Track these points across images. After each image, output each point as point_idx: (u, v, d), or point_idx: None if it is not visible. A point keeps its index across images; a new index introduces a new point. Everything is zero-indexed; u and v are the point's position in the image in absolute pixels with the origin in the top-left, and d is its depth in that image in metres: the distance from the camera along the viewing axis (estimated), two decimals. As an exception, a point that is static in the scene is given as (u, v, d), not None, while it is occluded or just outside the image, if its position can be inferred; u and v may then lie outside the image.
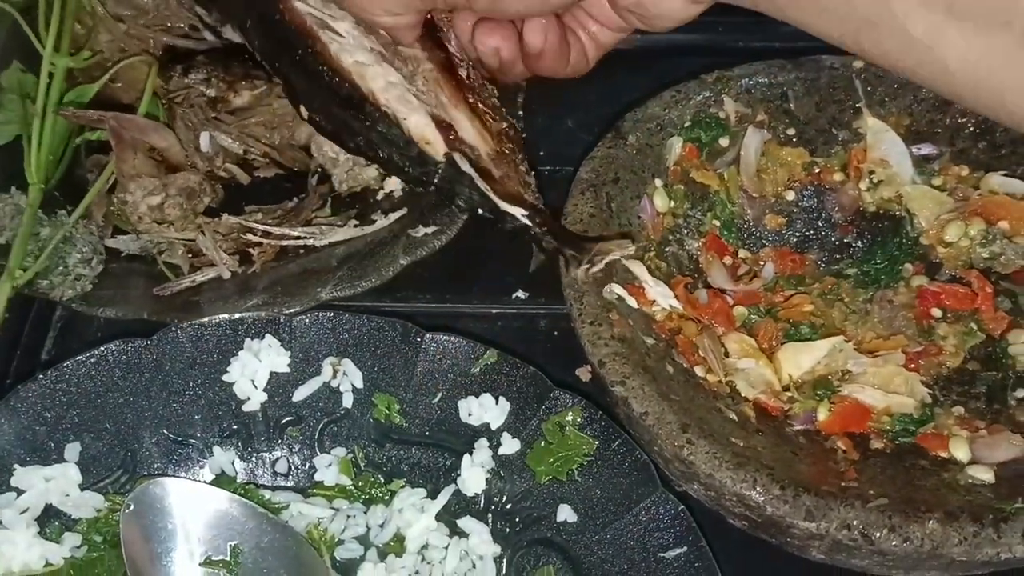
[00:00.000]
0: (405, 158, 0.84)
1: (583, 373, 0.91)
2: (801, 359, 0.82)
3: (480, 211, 0.83)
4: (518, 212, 0.81)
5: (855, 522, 0.68)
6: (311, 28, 0.86)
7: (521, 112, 1.03)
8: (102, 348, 0.81)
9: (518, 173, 0.84)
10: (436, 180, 0.83)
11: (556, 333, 0.96)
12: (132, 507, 0.74)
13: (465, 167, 0.81)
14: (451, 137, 0.83)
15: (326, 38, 0.85)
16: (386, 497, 0.81)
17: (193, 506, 0.76)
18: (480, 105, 0.86)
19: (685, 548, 0.73)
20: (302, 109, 0.89)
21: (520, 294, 0.99)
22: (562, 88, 1.16)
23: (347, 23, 0.87)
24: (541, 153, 1.09)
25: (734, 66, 0.97)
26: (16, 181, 0.94)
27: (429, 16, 0.88)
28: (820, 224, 0.96)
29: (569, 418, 0.79)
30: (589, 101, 1.16)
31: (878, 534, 0.68)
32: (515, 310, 0.98)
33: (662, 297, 0.84)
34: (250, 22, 0.91)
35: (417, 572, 0.77)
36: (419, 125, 0.82)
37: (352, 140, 0.87)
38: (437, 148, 0.82)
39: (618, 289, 0.82)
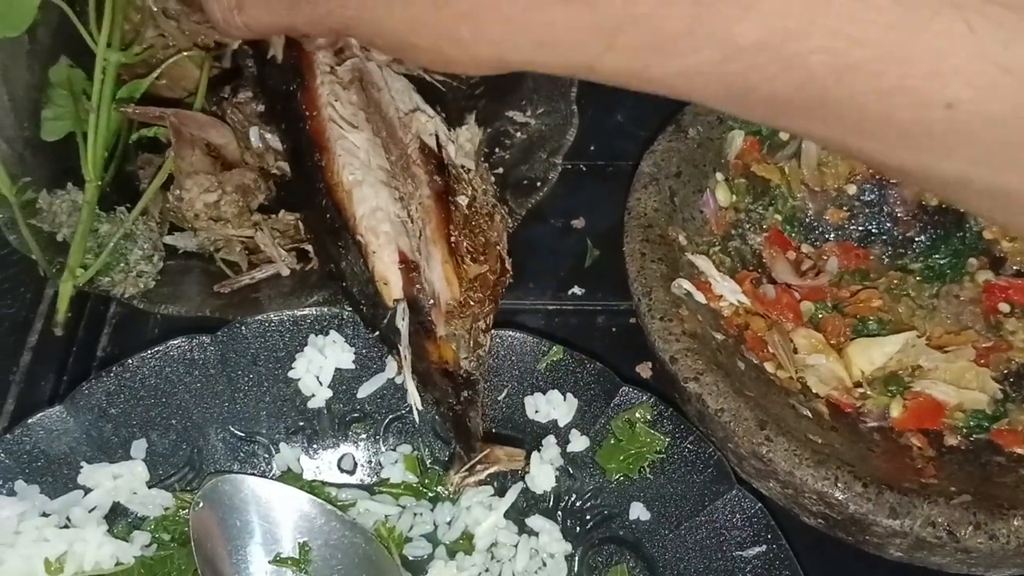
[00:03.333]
0: (363, 294, 0.81)
1: (644, 370, 0.90)
2: (873, 354, 0.81)
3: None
4: (416, 398, 0.77)
5: (940, 519, 0.67)
6: (327, 139, 0.85)
7: (575, 107, 1.02)
8: (166, 344, 0.80)
9: (470, 332, 0.79)
10: (382, 325, 0.79)
11: (615, 329, 0.95)
12: (202, 504, 0.74)
13: (400, 324, 0.77)
14: (412, 278, 0.79)
15: (339, 149, 0.84)
16: (454, 495, 0.79)
17: (262, 503, 0.75)
18: (465, 243, 0.83)
19: (764, 547, 0.71)
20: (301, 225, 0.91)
21: (576, 290, 0.98)
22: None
23: (364, 135, 0.86)
24: (592, 148, 1.08)
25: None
26: (68, 178, 0.93)
27: (436, 135, 0.88)
28: (882, 218, 0.94)
29: (639, 415, 0.78)
30: (638, 96, 1.15)
31: (963, 531, 0.67)
32: (572, 306, 0.97)
33: (730, 292, 0.83)
34: (285, 124, 0.91)
35: (487, 570, 0.76)
36: (384, 262, 0.79)
37: (326, 263, 0.86)
38: (392, 291, 0.79)
39: (686, 284, 0.81)
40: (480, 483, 0.79)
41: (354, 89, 0.91)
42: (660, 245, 0.84)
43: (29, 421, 0.76)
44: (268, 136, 0.99)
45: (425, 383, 0.79)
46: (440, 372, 0.78)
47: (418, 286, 0.81)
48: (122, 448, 0.77)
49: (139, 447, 0.78)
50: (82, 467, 0.76)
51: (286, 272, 0.91)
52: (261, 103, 1.01)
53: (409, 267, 0.81)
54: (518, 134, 1.03)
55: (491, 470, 0.78)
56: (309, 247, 0.93)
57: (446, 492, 0.80)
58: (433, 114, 0.92)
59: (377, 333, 0.81)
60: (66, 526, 0.73)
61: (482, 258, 0.85)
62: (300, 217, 0.92)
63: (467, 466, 0.77)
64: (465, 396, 0.78)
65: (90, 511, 0.74)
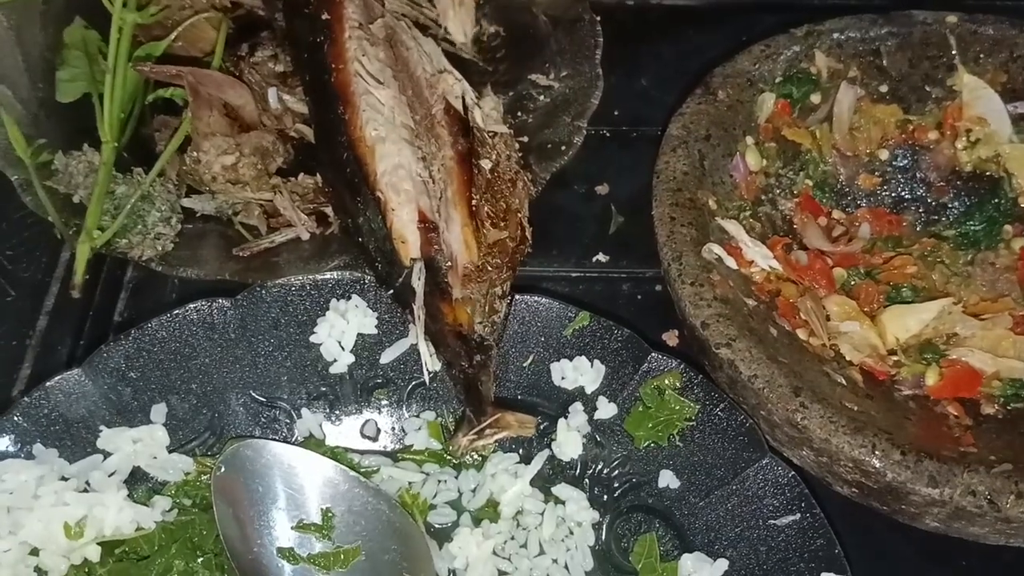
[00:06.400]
0: (379, 252, 0.80)
1: (670, 338, 0.89)
2: (908, 322, 0.79)
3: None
4: (427, 359, 0.77)
5: (980, 488, 0.66)
6: (352, 93, 0.84)
7: (599, 70, 1.00)
8: (185, 308, 0.78)
9: (486, 298, 0.78)
10: (397, 283, 0.78)
11: (640, 297, 0.94)
12: (223, 469, 0.72)
13: (416, 283, 0.77)
14: (430, 239, 0.78)
15: (363, 104, 0.83)
16: (478, 462, 0.78)
17: (284, 469, 0.74)
18: (486, 208, 0.82)
19: (798, 515, 0.70)
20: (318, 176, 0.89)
21: (601, 257, 0.96)
22: (634, 47, 1.14)
23: (390, 92, 0.85)
24: (616, 113, 1.06)
25: (807, 23, 0.93)
26: (82, 140, 0.91)
27: (463, 97, 0.87)
28: (915, 184, 0.92)
29: (668, 382, 0.76)
30: (662, 60, 1.13)
31: (1005, 501, 0.65)
32: (597, 273, 0.96)
33: (761, 258, 0.81)
34: (308, 75, 0.90)
35: (513, 538, 0.75)
36: (402, 220, 0.79)
37: (344, 218, 0.85)
38: (409, 250, 0.78)
39: (717, 249, 0.79)
40: (494, 447, 0.77)
41: (382, 46, 0.89)
42: (690, 209, 0.82)
43: (47, 384, 0.75)
44: (287, 97, 0.98)
45: (438, 344, 0.78)
46: (454, 334, 0.77)
47: (436, 247, 0.79)
48: (141, 412, 0.76)
49: (159, 411, 0.76)
50: (101, 431, 0.74)
51: (306, 236, 0.89)
52: (280, 63, 0.99)
53: (428, 227, 0.80)
54: (541, 97, 1.01)
55: (500, 435, 0.76)
56: (329, 211, 0.91)
57: (471, 458, 0.78)
58: (460, 77, 0.90)
59: (391, 292, 0.80)
60: (85, 490, 0.72)
61: (502, 224, 0.83)
62: (318, 171, 0.90)
63: (476, 429, 0.76)
64: (478, 360, 0.76)
65: (110, 475, 0.73)
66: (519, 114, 1.00)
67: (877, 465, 0.67)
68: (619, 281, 0.95)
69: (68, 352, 0.88)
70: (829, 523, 0.71)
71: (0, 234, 0.95)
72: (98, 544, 0.70)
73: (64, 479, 0.72)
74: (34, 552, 0.70)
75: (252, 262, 0.87)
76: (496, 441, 0.75)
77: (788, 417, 0.69)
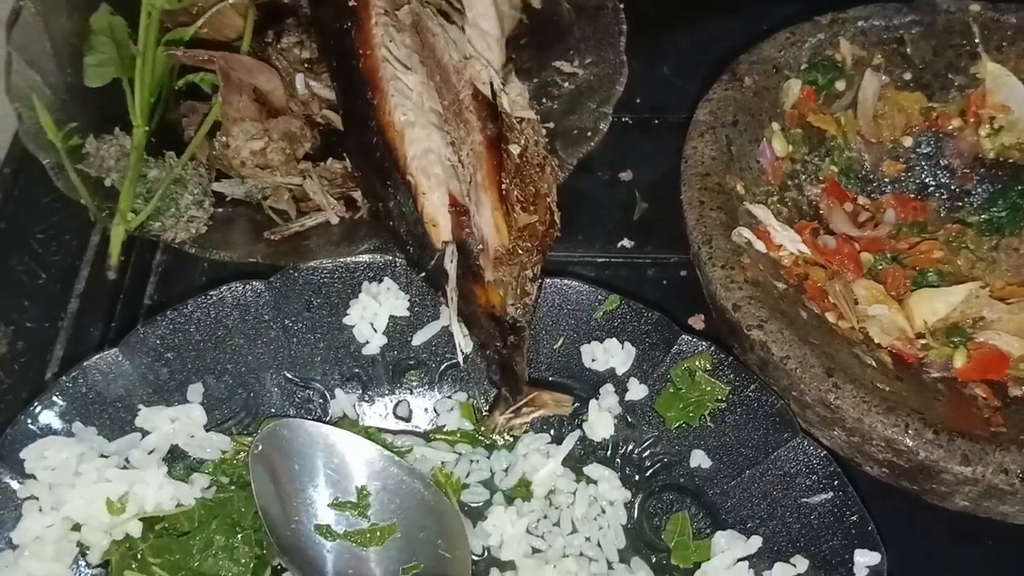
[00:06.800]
0: (410, 235, 0.81)
1: (696, 322, 0.89)
2: (936, 305, 0.80)
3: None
4: (460, 340, 0.78)
5: (1013, 467, 0.67)
6: (380, 78, 0.85)
7: (624, 57, 1.00)
8: (221, 289, 0.79)
9: (518, 280, 0.79)
10: (429, 266, 0.79)
11: (665, 282, 0.94)
12: (260, 448, 0.73)
13: (449, 265, 0.77)
14: (461, 222, 0.79)
15: (392, 89, 0.84)
16: (509, 442, 0.79)
17: (320, 447, 0.74)
18: (515, 192, 0.83)
19: (831, 494, 0.71)
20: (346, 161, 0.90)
21: (626, 243, 0.97)
22: (654, 35, 1.15)
23: (418, 77, 0.85)
24: (638, 101, 1.07)
25: (827, 11, 0.94)
26: (109, 125, 0.92)
27: (492, 85, 0.87)
28: (939, 171, 0.93)
29: (699, 363, 0.77)
30: (682, 48, 1.14)
31: (1037, 479, 0.66)
32: (622, 259, 0.96)
33: (790, 241, 0.82)
34: (335, 61, 0.91)
35: (546, 516, 0.76)
36: (433, 203, 0.80)
37: (374, 202, 0.86)
38: (440, 233, 0.79)
39: (746, 232, 0.80)
40: (526, 426, 0.78)
41: (409, 33, 0.90)
42: (718, 194, 0.82)
43: (85, 364, 0.75)
44: (313, 84, 0.98)
45: (471, 326, 0.79)
46: (487, 316, 0.78)
47: (467, 230, 0.80)
48: (178, 392, 0.77)
49: (195, 391, 0.77)
50: (139, 410, 0.75)
51: (335, 220, 0.90)
52: (306, 49, 1.00)
53: (459, 211, 0.80)
54: (566, 84, 1.02)
55: (537, 413, 0.77)
56: (357, 195, 0.92)
57: (502, 439, 0.79)
58: (487, 63, 0.91)
59: (423, 274, 0.80)
60: (125, 467, 0.73)
61: (532, 208, 0.84)
62: (347, 156, 0.91)
63: (513, 407, 0.77)
64: (511, 341, 0.77)
65: (149, 453, 0.74)
66: (544, 101, 1.00)
67: (910, 444, 0.68)
68: (644, 266, 0.96)
69: (100, 335, 0.89)
70: (859, 503, 0.72)
71: (30, 219, 0.96)
72: (139, 520, 0.71)
73: (104, 457, 0.73)
74: (76, 528, 0.70)
75: (282, 246, 0.88)
76: (532, 420, 0.76)
77: (821, 397, 0.70)
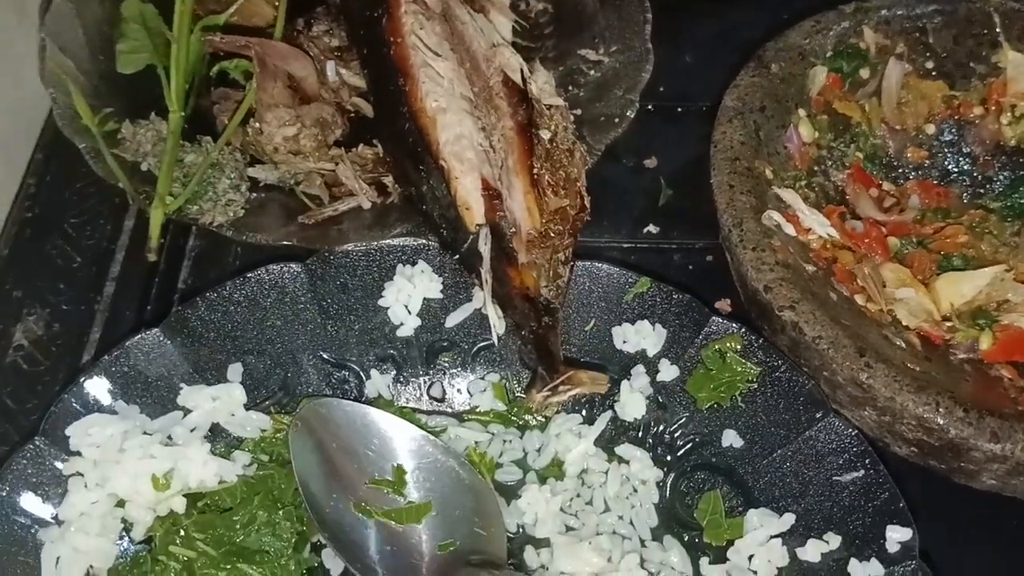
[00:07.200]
0: (444, 219, 0.82)
1: (723, 306, 0.90)
2: (963, 288, 0.81)
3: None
4: (495, 321, 0.79)
5: (1042, 444, 0.68)
6: (411, 65, 0.86)
7: (649, 45, 1.02)
8: (258, 271, 0.80)
9: (550, 262, 0.80)
10: (463, 249, 0.80)
11: (691, 267, 0.96)
12: (300, 426, 0.74)
13: (483, 247, 0.78)
14: (494, 206, 0.80)
15: (423, 76, 0.85)
16: (541, 422, 0.80)
17: (357, 427, 0.76)
18: (546, 176, 0.84)
19: (862, 472, 0.72)
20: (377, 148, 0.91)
21: (651, 228, 0.98)
22: (676, 24, 1.15)
23: (449, 64, 0.86)
24: (661, 89, 1.07)
25: (846, 2, 0.95)
26: (142, 111, 0.93)
27: (522, 72, 0.88)
28: (961, 158, 0.94)
29: (729, 345, 0.78)
30: (705, 37, 1.15)
31: (1066, 455, 0.67)
32: (647, 244, 0.97)
33: (819, 225, 0.83)
34: (366, 49, 0.92)
35: (578, 495, 0.77)
36: (466, 187, 0.81)
37: (406, 187, 0.87)
38: (474, 216, 0.80)
39: (776, 216, 0.81)
40: (563, 405, 0.79)
41: (438, 20, 0.91)
42: (747, 178, 0.84)
43: (126, 344, 0.77)
44: (344, 71, 0.99)
45: (506, 307, 0.80)
46: (521, 297, 0.79)
47: (500, 213, 0.81)
48: (218, 371, 0.78)
49: (235, 371, 0.78)
50: (181, 388, 0.76)
51: (367, 205, 0.91)
52: (336, 37, 1.01)
53: (491, 194, 0.82)
54: (591, 72, 1.03)
55: (574, 391, 0.78)
56: (388, 180, 0.93)
57: (534, 419, 0.80)
58: (515, 51, 0.92)
59: (457, 257, 0.82)
60: (168, 445, 0.74)
61: (563, 192, 0.85)
62: (379, 142, 0.92)
63: (550, 386, 0.78)
64: (546, 322, 0.78)
65: (191, 431, 0.75)
66: (570, 88, 1.02)
67: (941, 422, 0.69)
68: (670, 252, 0.97)
69: (135, 318, 0.90)
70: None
71: (63, 204, 0.97)
72: (183, 496, 0.72)
73: (147, 434, 0.74)
74: (120, 504, 0.72)
75: (315, 230, 0.89)
76: (569, 398, 0.77)
77: (853, 376, 0.72)
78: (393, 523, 0.74)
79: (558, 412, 0.80)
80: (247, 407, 0.77)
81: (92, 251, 0.94)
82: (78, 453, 0.72)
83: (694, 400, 0.79)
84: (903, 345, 0.77)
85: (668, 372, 0.80)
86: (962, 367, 0.78)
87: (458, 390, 0.82)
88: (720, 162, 0.84)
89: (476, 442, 0.79)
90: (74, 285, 0.91)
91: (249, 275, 0.80)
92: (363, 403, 0.79)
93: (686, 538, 0.75)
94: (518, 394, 0.82)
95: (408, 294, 0.82)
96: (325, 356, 0.81)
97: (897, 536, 0.70)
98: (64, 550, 0.70)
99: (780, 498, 0.74)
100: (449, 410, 0.82)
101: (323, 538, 0.72)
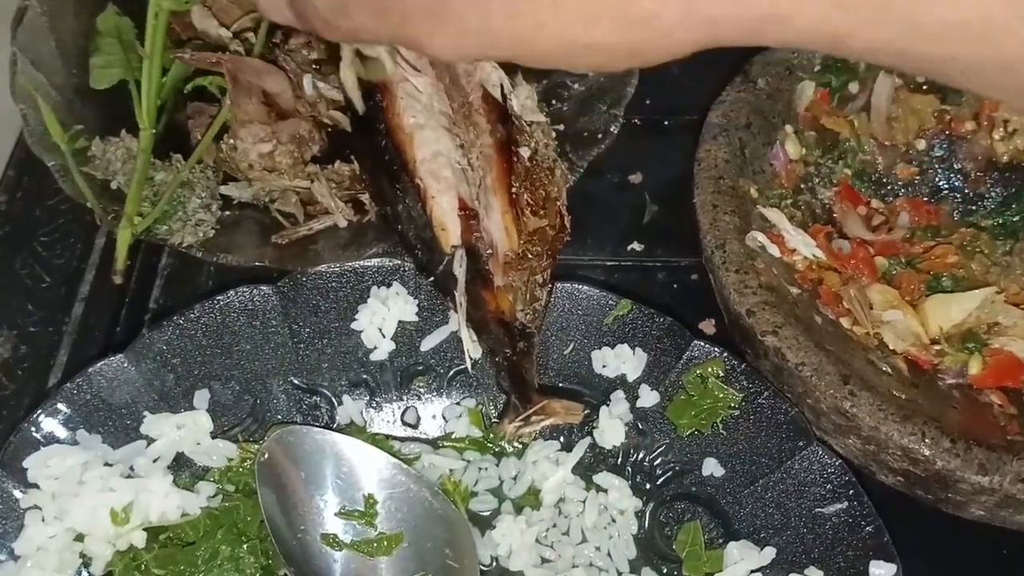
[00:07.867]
0: (419, 239, 0.79)
1: (707, 327, 0.88)
2: (952, 310, 0.79)
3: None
4: (469, 345, 0.76)
5: (1030, 476, 0.66)
6: (389, 80, 0.83)
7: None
8: (228, 294, 0.78)
9: (527, 285, 0.78)
10: (437, 271, 0.78)
11: (675, 285, 0.93)
12: (267, 455, 0.72)
13: (458, 270, 0.76)
14: (471, 226, 0.78)
15: (400, 92, 0.82)
16: (518, 449, 0.78)
17: (327, 455, 0.73)
18: (525, 196, 0.81)
19: (845, 503, 0.70)
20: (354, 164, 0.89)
21: (636, 246, 0.96)
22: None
23: (427, 80, 0.84)
24: (647, 102, 1.05)
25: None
26: (116, 127, 0.91)
27: (503, 88, 0.85)
28: (952, 174, 0.92)
29: (711, 370, 0.76)
30: (694, 50, 1.13)
31: (1055, 489, 0.65)
32: (631, 262, 0.95)
33: (804, 246, 0.81)
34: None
35: (555, 525, 0.75)
36: (442, 207, 0.78)
37: (383, 206, 0.84)
38: (449, 238, 0.77)
39: (760, 237, 0.79)
40: (535, 434, 0.77)
41: (416, 34, 0.88)
42: (732, 197, 0.81)
43: (89, 370, 0.74)
44: (321, 85, 0.97)
45: (480, 332, 0.78)
46: (496, 321, 0.77)
47: (477, 234, 0.79)
48: (184, 398, 0.76)
49: (202, 397, 0.76)
50: (145, 417, 0.74)
51: (343, 223, 0.89)
52: (314, 50, 0.99)
53: (468, 215, 0.79)
54: (575, 86, 1.01)
55: (547, 422, 0.76)
56: (365, 198, 0.91)
57: (511, 446, 0.78)
58: (496, 65, 0.90)
59: (432, 279, 0.79)
60: (129, 476, 0.72)
61: (542, 212, 0.83)
62: (356, 159, 0.90)
63: (523, 416, 0.76)
64: (521, 347, 0.76)
65: (154, 461, 0.73)
66: (553, 103, 0.99)
67: (927, 453, 0.67)
68: (654, 270, 0.95)
69: (104, 339, 0.88)
70: (873, 513, 0.71)
71: (34, 221, 0.95)
72: (143, 530, 0.70)
73: (108, 465, 0.72)
74: (79, 538, 0.70)
75: (289, 249, 0.87)
76: (542, 428, 0.75)
77: (837, 405, 0.69)
78: (363, 555, 0.72)
79: (535, 439, 0.78)
80: (213, 435, 0.75)
81: (62, 271, 0.92)
82: (36, 486, 0.70)
83: (675, 427, 0.77)
84: (889, 371, 0.75)
85: (648, 398, 0.78)
86: (950, 393, 0.76)
87: (433, 416, 0.80)
88: (704, 181, 0.82)
89: (451, 470, 0.77)
90: (43, 306, 0.89)
91: (218, 298, 0.78)
92: (335, 430, 0.77)
93: (664, 570, 0.73)
94: (495, 420, 0.80)
95: (383, 317, 0.80)
96: (296, 381, 0.79)
97: (881, 572, 0.67)
98: (21, 586, 0.68)
99: (761, 529, 0.72)
100: (424, 436, 0.80)
101: (289, 572, 0.70)
